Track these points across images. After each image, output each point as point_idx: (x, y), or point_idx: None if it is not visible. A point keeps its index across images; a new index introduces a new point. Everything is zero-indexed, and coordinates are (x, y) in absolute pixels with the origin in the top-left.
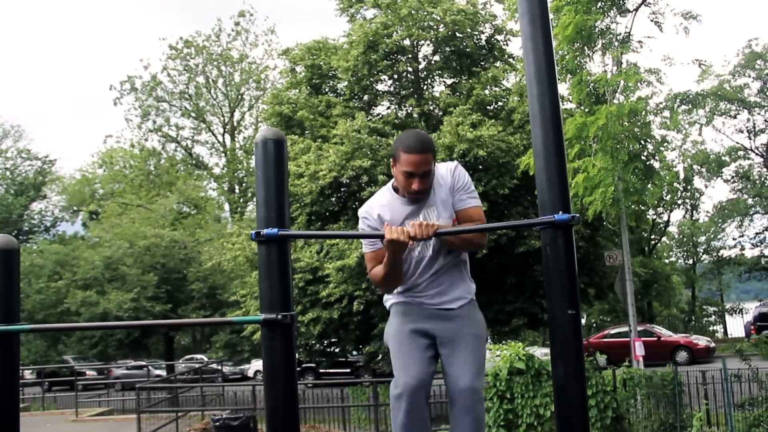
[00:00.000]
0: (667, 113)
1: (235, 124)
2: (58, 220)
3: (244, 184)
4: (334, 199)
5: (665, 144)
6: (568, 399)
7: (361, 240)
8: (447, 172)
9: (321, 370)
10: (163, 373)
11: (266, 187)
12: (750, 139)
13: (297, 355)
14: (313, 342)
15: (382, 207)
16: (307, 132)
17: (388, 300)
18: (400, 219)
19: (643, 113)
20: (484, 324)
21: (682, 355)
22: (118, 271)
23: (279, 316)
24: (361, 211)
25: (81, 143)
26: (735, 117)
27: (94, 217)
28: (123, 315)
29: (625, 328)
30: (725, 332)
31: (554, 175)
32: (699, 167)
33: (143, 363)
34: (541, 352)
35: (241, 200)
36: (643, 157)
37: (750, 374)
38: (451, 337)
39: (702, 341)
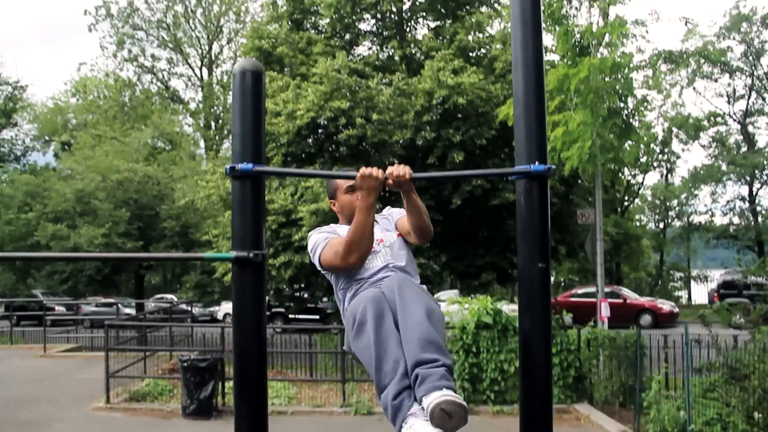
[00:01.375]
0: (649, 72)
1: (213, 58)
2: (29, 150)
3: (220, 121)
4: (311, 140)
5: (645, 103)
6: (534, 352)
7: (315, 242)
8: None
9: (290, 315)
10: (133, 311)
11: (243, 121)
12: (729, 104)
13: (267, 298)
14: (284, 286)
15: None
16: (286, 69)
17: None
18: None
19: (626, 69)
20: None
21: (646, 319)
22: (90, 205)
23: (251, 254)
24: (322, 228)
25: (53, 71)
26: (716, 81)
27: (66, 147)
28: (94, 250)
29: (592, 289)
30: (689, 298)
31: (533, 124)
32: (677, 130)
33: (113, 301)
34: (509, 308)
35: (217, 137)
36: (623, 115)
37: (710, 340)
38: (399, 287)
39: (666, 306)
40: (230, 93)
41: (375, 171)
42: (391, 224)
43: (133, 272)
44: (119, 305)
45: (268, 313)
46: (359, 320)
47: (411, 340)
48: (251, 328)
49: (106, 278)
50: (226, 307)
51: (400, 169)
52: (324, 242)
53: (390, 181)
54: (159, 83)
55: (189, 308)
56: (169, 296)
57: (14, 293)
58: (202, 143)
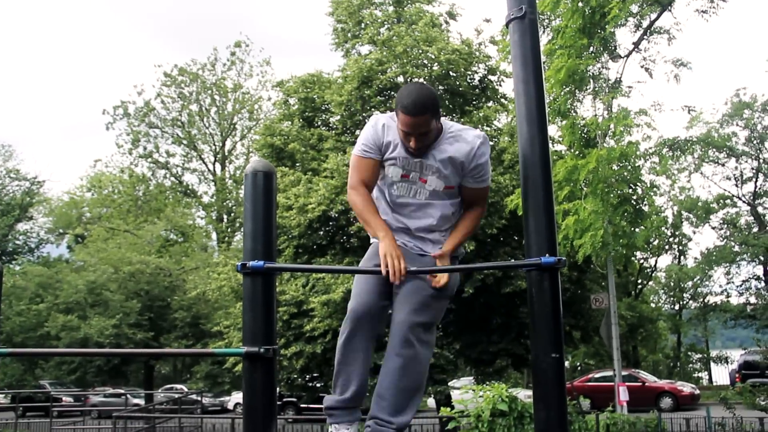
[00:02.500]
0: (656, 159)
1: (227, 154)
2: (43, 242)
3: (232, 214)
4: (322, 232)
5: (654, 189)
6: None
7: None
8: (468, 145)
9: (302, 405)
10: (142, 402)
11: (254, 220)
12: (737, 186)
13: (278, 388)
14: (295, 376)
15: (389, 138)
16: (297, 164)
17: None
18: (397, 155)
19: (633, 157)
20: (452, 279)
21: (666, 402)
22: (101, 296)
23: (261, 350)
24: (376, 120)
25: (70, 166)
26: (723, 165)
27: (79, 240)
28: (104, 341)
29: (609, 372)
30: (710, 379)
31: (542, 217)
32: (687, 213)
33: (122, 391)
34: (525, 394)
35: (229, 230)
36: (633, 201)
37: (734, 423)
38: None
39: (687, 388)
40: (242, 187)
41: (396, 266)
42: (455, 169)
43: (142, 362)
44: (128, 395)
45: (279, 402)
46: (342, 328)
47: (380, 386)
48: (262, 421)
49: (115, 368)
50: (237, 397)
51: (396, 271)
52: (357, 149)
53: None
54: (173, 178)
55: (199, 398)
56: (179, 386)
57: (21, 383)
58: (214, 235)
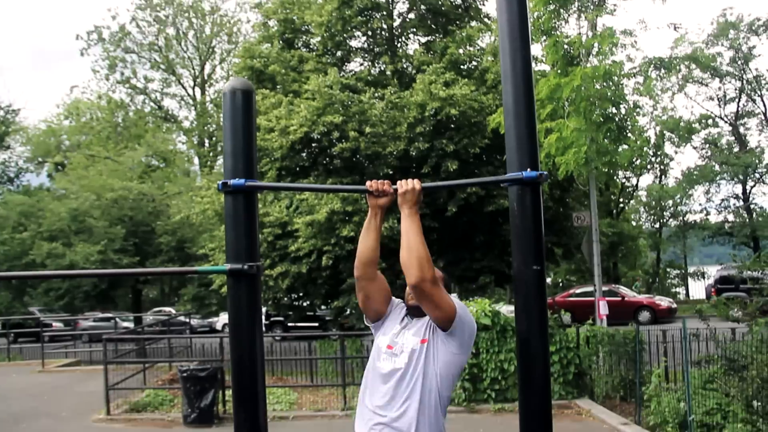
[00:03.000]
0: (640, 78)
1: (206, 78)
2: (22, 171)
3: (214, 138)
4: (304, 154)
5: (638, 109)
6: (531, 351)
7: None
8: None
9: (289, 324)
10: (131, 325)
11: (234, 138)
12: (720, 107)
13: (266, 308)
14: (282, 296)
15: (397, 305)
16: (278, 87)
17: None
18: (393, 324)
19: (617, 77)
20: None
21: (644, 315)
22: (85, 223)
23: (245, 267)
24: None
25: (46, 93)
26: (707, 85)
27: (59, 168)
28: (90, 267)
29: (590, 288)
30: (687, 294)
31: (523, 132)
32: (669, 133)
33: (110, 315)
34: (507, 309)
35: (211, 154)
36: (615, 120)
37: (708, 333)
38: None
39: (664, 302)
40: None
41: (384, 185)
42: (419, 334)
43: (130, 287)
44: (117, 319)
45: (267, 322)
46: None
47: None
48: (247, 338)
49: (103, 293)
50: (225, 318)
51: (408, 185)
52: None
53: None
54: (152, 104)
55: (187, 320)
56: (167, 309)
57: (10, 311)
58: (196, 160)
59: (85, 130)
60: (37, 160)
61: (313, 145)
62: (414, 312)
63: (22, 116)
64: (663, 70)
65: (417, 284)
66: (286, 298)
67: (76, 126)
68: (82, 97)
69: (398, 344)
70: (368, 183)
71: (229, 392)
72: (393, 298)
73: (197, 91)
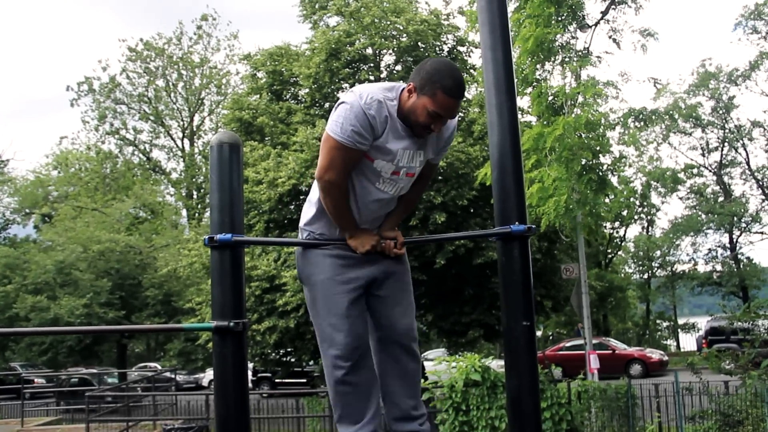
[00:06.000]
0: (623, 129)
1: (195, 129)
2: (9, 223)
3: (202, 190)
4: (292, 207)
5: (623, 160)
6: (522, 409)
7: (341, 123)
8: (455, 119)
9: (276, 380)
10: (116, 381)
11: (220, 192)
12: (704, 156)
13: (253, 364)
14: (269, 351)
15: (383, 121)
16: (267, 138)
17: (314, 227)
18: (396, 147)
19: (601, 127)
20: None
21: (636, 368)
22: (71, 276)
23: (231, 324)
24: (370, 100)
25: (35, 144)
26: (690, 134)
27: (47, 220)
28: (75, 321)
29: (580, 341)
30: (678, 346)
31: (511, 185)
32: (655, 183)
33: (95, 371)
34: (497, 364)
35: (199, 206)
36: (598, 170)
37: (701, 387)
38: (390, 274)
39: (655, 354)
40: None
41: (367, 245)
42: (431, 153)
43: (115, 342)
44: (102, 375)
45: (254, 378)
46: (332, 355)
47: (399, 391)
48: (233, 396)
49: (87, 348)
50: (211, 374)
51: (391, 244)
52: (339, 145)
53: (387, 249)
54: (140, 155)
55: (173, 376)
56: (153, 365)
57: None
58: (184, 212)
59: (74, 181)
60: (24, 211)
61: (301, 197)
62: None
63: (11, 167)
64: (643, 123)
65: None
66: (273, 354)
67: (65, 177)
68: (71, 147)
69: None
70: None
71: None
72: (372, 114)
73: (186, 142)
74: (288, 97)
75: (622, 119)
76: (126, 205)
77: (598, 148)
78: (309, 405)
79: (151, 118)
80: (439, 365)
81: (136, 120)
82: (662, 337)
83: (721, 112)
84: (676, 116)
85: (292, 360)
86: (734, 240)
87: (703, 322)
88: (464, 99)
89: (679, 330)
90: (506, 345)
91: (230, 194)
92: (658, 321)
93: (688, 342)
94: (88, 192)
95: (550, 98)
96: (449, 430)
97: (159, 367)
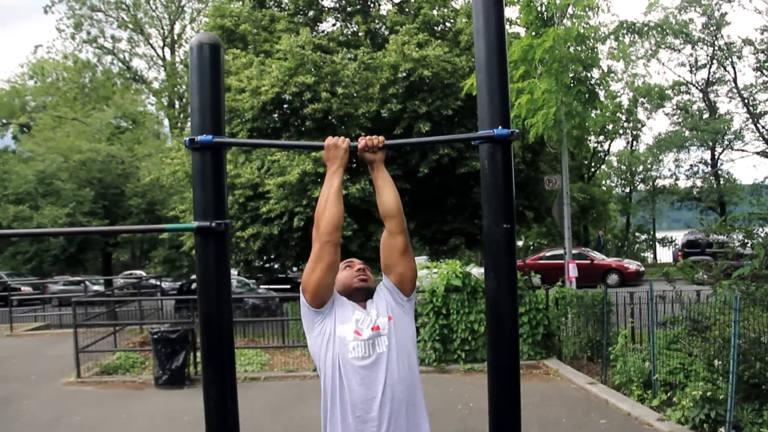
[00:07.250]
0: (615, 43)
1: (176, 38)
2: None
3: (184, 99)
4: (276, 115)
5: (611, 74)
6: (500, 309)
7: None
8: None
9: (260, 286)
10: (102, 288)
11: (201, 93)
12: (692, 73)
13: (237, 270)
14: (253, 258)
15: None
16: (249, 47)
17: None
18: (347, 310)
19: (591, 41)
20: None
21: (613, 278)
22: (53, 186)
23: (212, 224)
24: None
25: (8, 53)
26: (679, 51)
27: (25, 130)
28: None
29: (560, 251)
30: (655, 258)
31: (495, 90)
32: (642, 99)
33: (80, 278)
34: (478, 272)
35: (181, 115)
36: (587, 83)
37: (674, 296)
38: None
39: (633, 265)
40: None
41: (339, 140)
42: (383, 300)
43: (100, 250)
44: (87, 283)
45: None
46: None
47: None
48: (216, 296)
49: (72, 257)
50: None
51: (374, 138)
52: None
53: (362, 144)
54: (120, 64)
55: (158, 283)
56: (138, 272)
57: None
58: (166, 122)
59: (51, 90)
60: (1, 121)
61: (285, 106)
62: (365, 294)
63: None
64: (635, 36)
65: (405, 230)
66: (257, 261)
67: (42, 87)
68: (47, 56)
69: (367, 327)
70: (327, 140)
71: (200, 354)
72: None
73: (167, 51)
74: (271, 4)
75: (614, 33)
76: (107, 115)
77: (589, 62)
78: (292, 309)
79: (130, 26)
80: (421, 271)
81: (114, 28)
82: (640, 250)
83: (712, 28)
84: (667, 31)
85: (276, 266)
86: (716, 157)
87: (681, 236)
88: (451, 9)
89: (657, 243)
90: (486, 247)
91: (211, 96)
92: (637, 234)
93: (665, 255)
94: (67, 102)
95: (540, 8)
96: (429, 333)
97: (144, 275)
